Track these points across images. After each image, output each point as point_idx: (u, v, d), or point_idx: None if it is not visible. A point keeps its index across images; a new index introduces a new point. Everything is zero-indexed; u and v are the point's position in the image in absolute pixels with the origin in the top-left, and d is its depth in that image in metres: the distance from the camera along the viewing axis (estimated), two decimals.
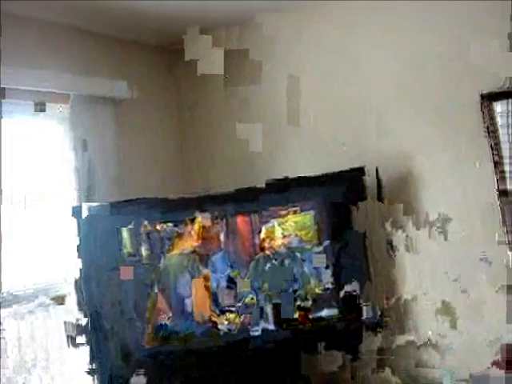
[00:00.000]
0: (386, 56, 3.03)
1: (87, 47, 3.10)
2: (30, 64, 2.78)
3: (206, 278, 2.77)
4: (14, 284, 2.75)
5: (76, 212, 2.77)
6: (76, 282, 2.79)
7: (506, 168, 2.73)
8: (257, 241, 2.77)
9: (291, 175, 2.83)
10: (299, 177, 2.79)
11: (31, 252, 2.88)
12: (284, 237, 2.77)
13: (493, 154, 2.74)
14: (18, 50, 2.72)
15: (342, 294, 2.72)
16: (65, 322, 2.83)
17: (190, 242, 2.76)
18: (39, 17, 2.86)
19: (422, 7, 2.90)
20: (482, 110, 2.74)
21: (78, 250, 2.75)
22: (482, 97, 2.73)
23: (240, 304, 2.74)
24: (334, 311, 2.73)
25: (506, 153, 2.73)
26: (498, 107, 2.72)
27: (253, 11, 3.19)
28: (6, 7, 2.58)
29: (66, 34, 3.02)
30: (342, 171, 2.78)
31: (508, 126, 2.71)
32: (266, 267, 2.76)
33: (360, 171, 2.80)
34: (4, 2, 2.54)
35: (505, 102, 2.70)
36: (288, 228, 2.77)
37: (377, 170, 2.88)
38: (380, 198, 2.92)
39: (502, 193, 2.72)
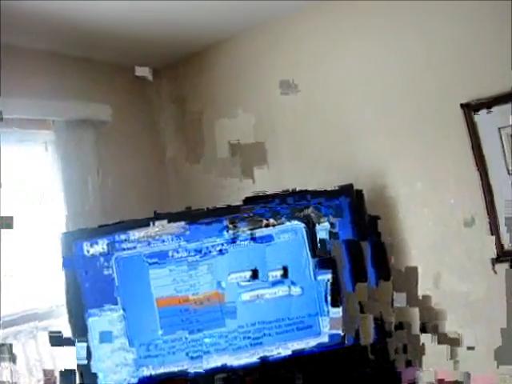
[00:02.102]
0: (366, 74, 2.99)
1: (64, 71, 3.12)
2: (12, 92, 2.78)
3: None
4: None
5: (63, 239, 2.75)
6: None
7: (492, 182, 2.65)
8: None
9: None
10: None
11: (19, 277, 2.88)
12: None
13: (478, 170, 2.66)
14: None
15: None
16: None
17: None
18: (15, 43, 2.87)
19: (404, 19, 2.84)
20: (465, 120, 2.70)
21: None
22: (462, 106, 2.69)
23: None
24: None
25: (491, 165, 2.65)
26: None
27: (234, 30, 3.24)
28: None
29: (44, 60, 3.04)
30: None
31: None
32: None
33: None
34: None
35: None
36: None
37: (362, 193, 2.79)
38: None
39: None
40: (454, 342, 2.74)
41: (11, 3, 2.50)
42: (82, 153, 3.09)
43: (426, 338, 2.81)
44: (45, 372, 2.79)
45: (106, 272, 2.69)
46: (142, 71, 3.35)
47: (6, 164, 2.84)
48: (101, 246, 2.70)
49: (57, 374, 2.79)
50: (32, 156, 3.06)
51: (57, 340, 2.74)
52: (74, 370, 2.69)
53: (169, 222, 2.72)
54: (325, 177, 2.96)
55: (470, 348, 2.68)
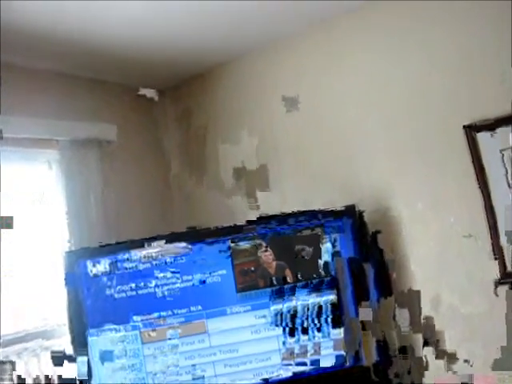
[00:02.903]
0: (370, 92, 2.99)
1: (70, 91, 3.15)
2: (16, 111, 2.82)
3: None
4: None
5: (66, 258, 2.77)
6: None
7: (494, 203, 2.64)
8: None
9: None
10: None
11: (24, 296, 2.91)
12: None
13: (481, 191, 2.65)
14: (4, 99, 2.75)
15: None
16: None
17: None
18: (23, 64, 2.92)
19: (406, 36, 2.85)
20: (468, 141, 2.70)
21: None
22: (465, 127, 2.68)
23: None
24: None
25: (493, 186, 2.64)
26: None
27: (236, 52, 3.30)
28: None
29: (51, 80, 3.08)
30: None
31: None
32: None
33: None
34: None
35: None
36: None
37: (363, 214, 2.83)
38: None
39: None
40: (451, 357, 2.76)
41: (22, 26, 2.57)
42: (86, 171, 3.11)
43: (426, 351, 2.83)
44: None
45: (108, 292, 2.70)
46: (147, 92, 3.39)
47: (10, 181, 2.88)
48: (103, 265, 2.71)
49: None
50: (36, 174, 3.07)
51: (59, 360, 2.75)
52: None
53: (172, 241, 2.74)
54: (327, 196, 2.96)
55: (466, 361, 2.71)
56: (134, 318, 2.69)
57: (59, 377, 2.79)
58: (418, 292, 2.83)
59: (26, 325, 2.88)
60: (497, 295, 2.61)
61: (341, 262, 2.72)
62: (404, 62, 2.88)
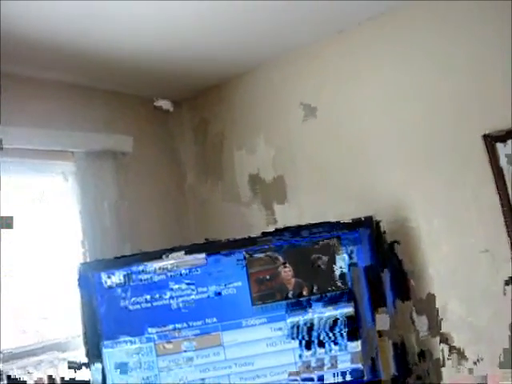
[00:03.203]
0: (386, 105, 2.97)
1: (86, 103, 3.16)
2: (32, 123, 2.85)
3: None
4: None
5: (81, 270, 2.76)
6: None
7: None
8: None
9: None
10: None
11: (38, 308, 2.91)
12: None
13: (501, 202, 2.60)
14: (19, 109, 2.79)
15: None
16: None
17: None
18: (39, 76, 2.94)
19: (424, 46, 2.83)
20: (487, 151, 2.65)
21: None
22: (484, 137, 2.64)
23: None
24: None
25: None
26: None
27: (252, 63, 3.32)
28: (6, 67, 2.69)
29: (65, 91, 3.09)
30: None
31: None
32: None
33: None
34: (4, 62, 2.64)
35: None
36: None
37: (379, 224, 2.81)
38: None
39: None
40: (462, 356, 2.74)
41: (40, 40, 2.61)
42: (101, 183, 3.11)
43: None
44: None
45: (122, 303, 2.69)
46: (164, 104, 3.41)
47: (25, 193, 2.90)
48: (118, 277, 2.70)
49: None
50: (51, 185, 3.08)
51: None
52: None
53: (186, 253, 2.72)
54: (345, 207, 2.93)
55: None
56: (149, 329, 2.68)
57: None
58: (435, 297, 2.80)
59: (43, 337, 2.88)
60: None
61: (357, 271, 2.68)
62: (421, 72, 2.85)
